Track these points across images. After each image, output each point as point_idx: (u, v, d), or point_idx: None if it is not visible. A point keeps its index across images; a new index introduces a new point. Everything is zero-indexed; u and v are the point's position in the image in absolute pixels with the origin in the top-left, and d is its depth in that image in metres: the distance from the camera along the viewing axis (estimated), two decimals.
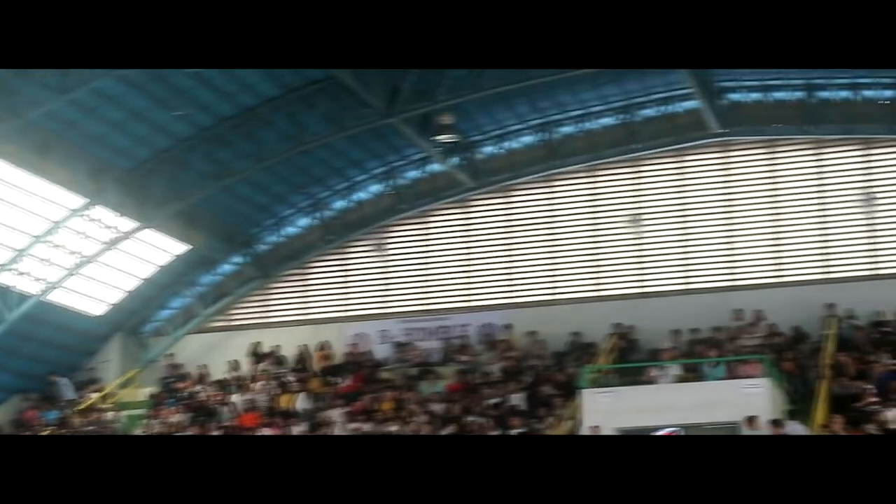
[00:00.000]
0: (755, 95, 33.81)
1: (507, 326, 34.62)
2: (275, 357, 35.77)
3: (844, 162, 33.65)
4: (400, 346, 35.45)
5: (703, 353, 30.83)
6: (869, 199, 33.10)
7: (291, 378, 34.67)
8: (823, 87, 33.06)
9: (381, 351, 35.68)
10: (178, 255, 35.86)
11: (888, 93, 32.64)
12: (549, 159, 35.47)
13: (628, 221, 34.80)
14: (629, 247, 34.84)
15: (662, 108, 34.24)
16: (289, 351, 35.88)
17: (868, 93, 32.82)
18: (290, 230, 37.68)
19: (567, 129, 35.19)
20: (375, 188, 36.99)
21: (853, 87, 32.76)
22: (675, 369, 30.00)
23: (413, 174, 36.62)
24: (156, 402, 35.21)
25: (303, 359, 35.65)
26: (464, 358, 34.08)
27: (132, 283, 35.88)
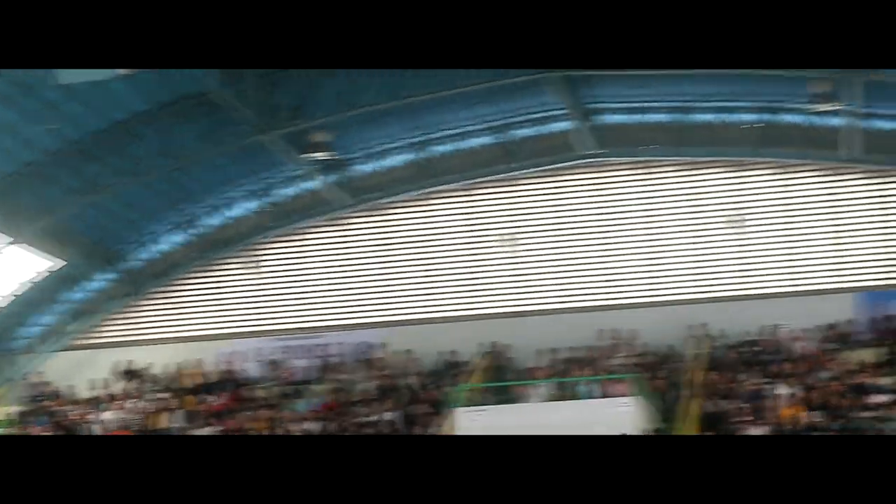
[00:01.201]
0: (628, 117, 34.20)
1: (382, 345, 34.53)
2: (146, 375, 35.23)
3: (715, 183, 34.19)
4: (274, 365, 35.15)
5: (576, 372, 31.07)
6: (738, 220, 33.66)
7: (163, 396, 34.17)
8: (695, 110, 33.57)
9: (255, 369, 35.35)
10: (46, 271, 35.14)
11: (755, 116, 33.22)
12: (425, 178, 35.50)
13: (503, 241, 34.94)
14: (504, 266, 34.98)
15: (538, 128, 34.47)
16: (160, 369, 35.36)
17: (738, 116, 33.37)
18: (163, 247, 37.13)
19: (443, 148, 35.22)
20: (249, 205, 36.60)
21: (724, 110, 33.31)
22: (548, 388, 30.18)
23: (288, 191, 36.35)
24: (22, 421, 34.45)
25: (174, 377, 35.16)
26: (338, 376, 33.90)
27: None
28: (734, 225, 33.65)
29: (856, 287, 32.87)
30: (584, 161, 34.60)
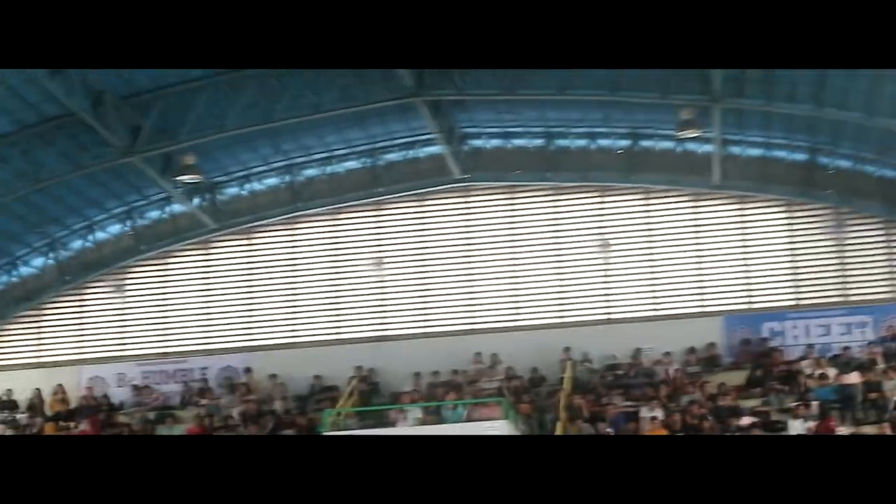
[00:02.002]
0: (496, 142, 34.46)
1: (248, 370, 34.23)
2: (6, 401, 34.46)
3: (581, 209, 34.55)
4: (138, 390, 34.63)
5: (443, 396, 31.06)
6: (604, 245, 34.04)
7: (23, 422, 33.45)
8: (562, 136, 33.92)
9: (119, 394, 34.79)
10: None
11: (623, 142, 33.68)
12: (293, 201, 35.38)
13: (371, 265, 34.90)
14: (371, 290, 34.94)
15: (405, 153, 34.59)
16: (21, 395, 34.61)
17: (604, 142, 33.81)
18: (25, 270, 36.46)
19: (311, 172, 35.16)
20: (115, 228, 36.11)
21: (590, 135, 33.71)
22: (415, 412, 30.13)
23: (154, 214, 35.99)
24: None
25: (35, 403, 34.43)
26: (203, 401, 33.48)
27: None
28: (600, 250, 34.01)
29: (719, 311, 33.37)
30: (452, 185, 34.74)
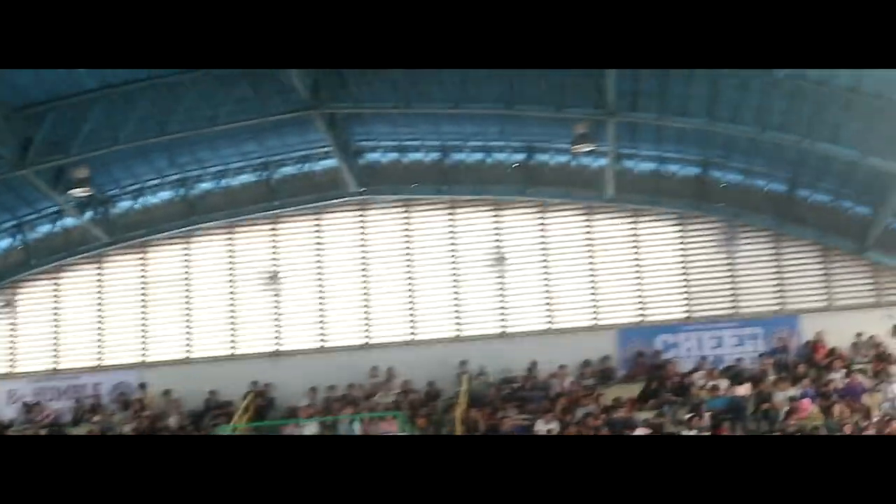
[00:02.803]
0: (392, 155, 34.44)
1: (142, 385, 33.83)
2: None
3: (476, 222, 34.65)
4: (28, 407, 34.05)
5: (340, 411, 31.02)
6: (499, 259, 34.19)
7: None
8: (457, 150, 34.01)
9: (9, 412, 34.18)
10: None
11: (518, 156, 33.86)
12: (188, 215, 35.04)
13: (266, 279, 34.70)
14: (267, 304, 34.72)
15: (301, 166, 34.45)
16: None
17: (499, 156, 33.96)
18: None
19: (206, 185, 34.86)
20: (5, 242, 35.50)
21: (485, 149, 33.84)
22: (312, 427, 30.04)
23: (45, 228, 35.42)
24: None
25: None
26: (96, 418, 33.03)
27: None
28: (493, 264, 34.15)
29: (614, 324, 33.67)
30: (348, 199, 34.68)
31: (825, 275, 33.56)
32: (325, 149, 32.88)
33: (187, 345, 34.86)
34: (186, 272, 35.25)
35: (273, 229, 35.18)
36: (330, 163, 33.85)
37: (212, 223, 35.12)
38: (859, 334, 32.08)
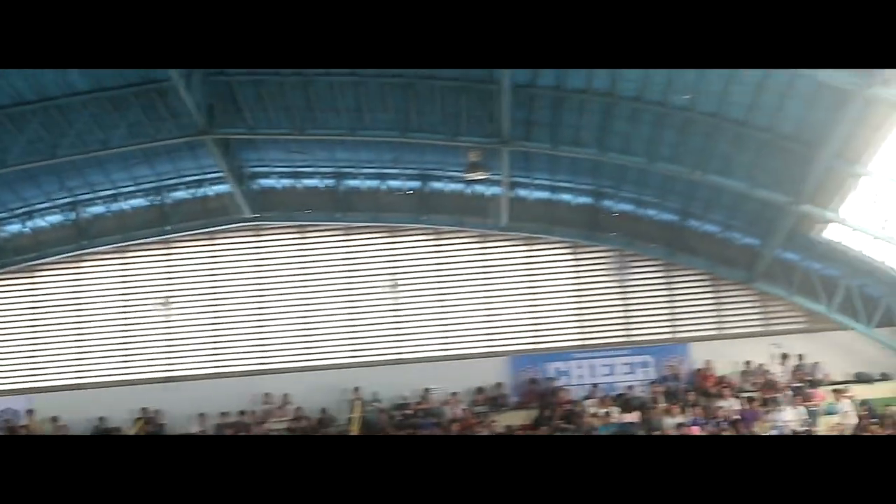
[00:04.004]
0: (286, 181, 34.34)
1: (30, 411, 33.26)
2: None
3: (371, 249, 34.66)
4: None
5: None
6: (393, 285, 34.22)
7: None
8: (352, 176, 33.99)
9: None
10: None
11: (413, 183, 33.93)
12: (78, 239, 34.60)
13: (159, 304, 34.37)
14: (158, 330, 34.38)
15: (194, 191, 34.18)
16: None
17: (394, 182, 34.00)
18: None
19: (97, 209, 34.45)
20: None
21: (380, 176, 33.86)
22: None
23: None
24: None
25: None
26: None
27: None
28: (390, 290, 34.17)
29: (507, 351, 33.81)
30: (241, 225, 34.51)
31: (715, 303, 34.04)
32: (219, 174, 32.67)
33: (77, 370, 34.36)
34: (77, 297, 34.79)
35: (166, 254, 34.88)
36: (223, 188, 33.66)
37: (103, 247, 34.71)
38: (748, 362, 32.57)
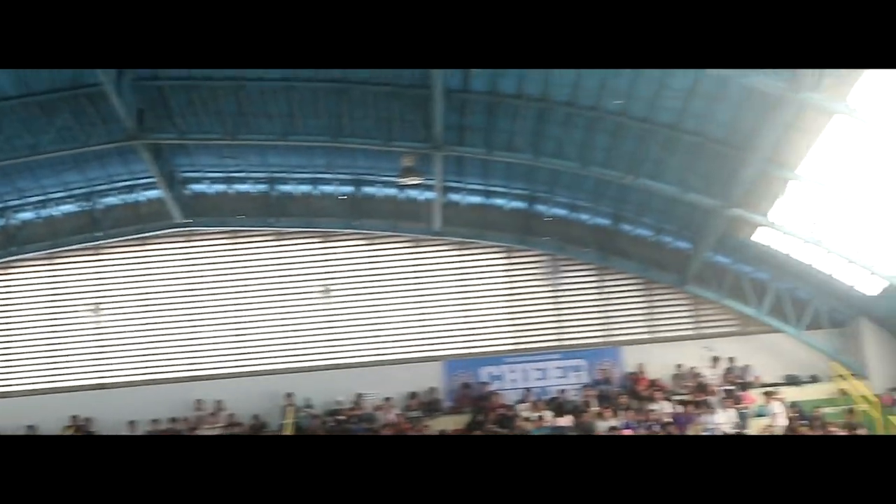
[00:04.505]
0: (218, 186, 34.14)
1: None
2: None
3: (304, 254, 34.54)
4: None
5: None
6: (326, 290, 34.13)
7: None
8: (285, 181, 33.86)
9: None
10: None
11: (346, 188, 33.84)
12: (6, 245, 34.16)
13: (89, 310, 34.05)
14: (89, 336, 34.05)
15: (125, 197, 33.89)
16: None
17: (327, 188, 33.90)
18: None
19: (26, 215, 34.05)
20: None
21: (313, 181, 33.75)
22: None
23: None
24: None
25: None
26: None
27: None
28: (322, 295, 34.08)
29: (440, 356, 33.82)
30: (173, 230, 34.27)
31: (647, 307, 34.25)
32: (150, 179, 32.41)
33: (6, 377, 33.94)
34: (5, 304, 34.39)
35: (96, 260, 34.54)
36: (155, 193, 33.40)
37: (32, 253, 34.33)
38: (679, 365, 32.80)
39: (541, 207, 33.92)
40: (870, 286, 30.28)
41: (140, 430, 31.55)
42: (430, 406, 32.66)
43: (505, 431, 30.62)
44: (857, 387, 31.13)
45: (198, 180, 33.96)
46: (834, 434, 28.37)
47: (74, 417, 32.19)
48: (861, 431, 29.20)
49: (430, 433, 30.66)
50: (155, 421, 31.89)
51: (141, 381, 33.72)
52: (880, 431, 29.12)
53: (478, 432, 30.73)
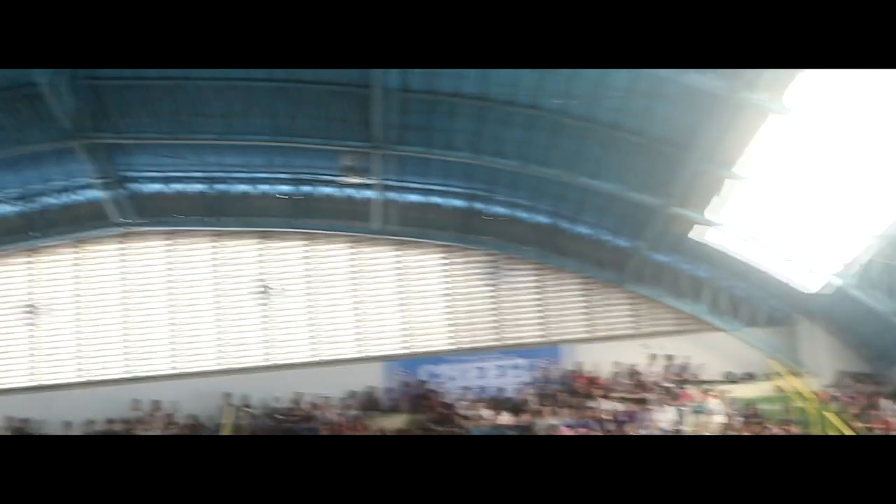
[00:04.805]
0: (156, 186, 33.85)
1: None
2: None
3: (243, 254, 34.38)
4: None
5: None
6: (265, 290, 33.98)
7: None
8: (224, 181, 33.65)
9: None
10: None
11: (285, 187, 33.71)
12: None
13: (25, 312, 33.71)
14: (23, 338, 33.70)
15: (63, 197, 33.53)
16: None
17: (266, 187, 33.75)
18: None
19: None
20: None
21: (252, 181, 33.58)
22: None
23: None
24: None
25: None
26: None
27: None
28: (261, 295, 33.93)
29: (380, 355, 33.78)
30: (111, 231, 33.97)
31: (586, 305, 34.38)
32: (88, 180, 32.11)
33: None
34: None
35: (32, 261, 34.19)
36: (92, 193, 33.08)
37: None
38: (619, 363, 32.95)
39: (480, 206, 33.94)
40: (807, 284, 30.56)
41: (76, 432, 31.25)
42: (370, 405, 32.59)
43: (444, 430, 30.63)
44: (794, 384, 31.41)
45: (136, 180, 33.63)
46: (775, 434, 28.67)
47: (10, 419, 31.84)
48: (798, 428, 29.50)
49: (369, 433, 30.62)
50: (91, 422, 31.60)
51: (77, 382, 33.43)
52: (816, 428, 29.39)
53: (418, 431, 30.73)
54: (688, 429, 29.91)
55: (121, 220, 33.65)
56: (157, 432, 31.07)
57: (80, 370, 33.70)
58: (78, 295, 34.09)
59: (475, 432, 30.06)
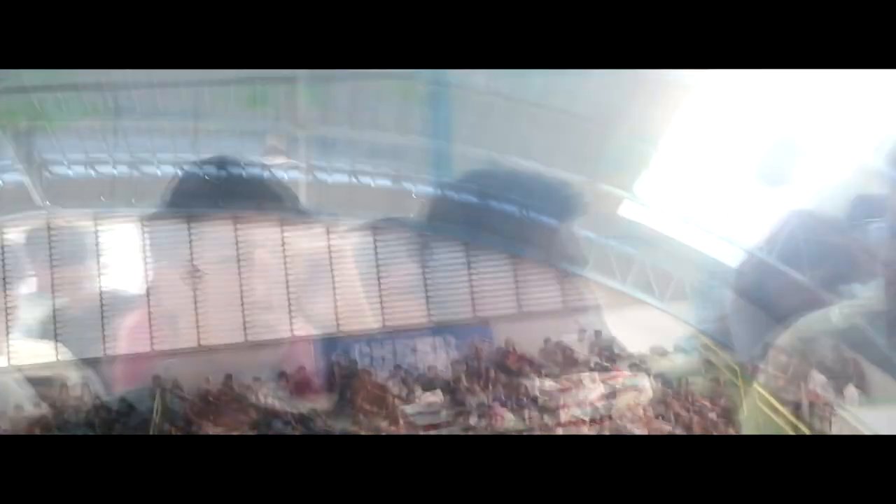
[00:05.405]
0: (79, 169, 33.51)
1: None
2: None
3: (169, 236, 34.12)
4: None
5: None
6: (192, 272, 33.80)
7: None
8: (149, 163, 33.39)
9: None
10: None
11: (210, 169, 33.50)
12: None
13: None
14: None
15: None
16: None
17: (191, 169, 33.48)
18: None
19: None
20: None
21: (177, 163, 33.28)
22: None
23: None
24: None
25: None
26: None
27: None
28: (188, 277, 33.74)
29: (309, 336, 33.67)
30: (33, 214, 33.60)
31: (514, 282, 34.50)
32: (8, 162, 31.74)
33: None
34: None
35: None
36: (13, 177, 32.69)
37: None
38: (547, 339, 33.12)
39: (408, 185, 33.94)
40: (731, 258, 30.87)
41: (5, 419, 30.96)
42: (301, 386, 32.51)
43: (375, 409, 30.67)
44: (721, 356, 31.73)
45: (59, 163, 33.30)
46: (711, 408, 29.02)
47: None
48: (726, 400, 29.83)
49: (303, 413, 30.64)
50: (18, 407, 31.30)
51: (2, 367, 33.08)
52: (744, 400, 29.74)
53: (348, 410, 30.76)
54: (618, 404, 30.15)
55: (44, 203, 33.26)
56: (84, 416, 30.88)
57: (2, 355, 33.28)
58: (2, 279, 33.70)
59: (407, 410, 30.12)
